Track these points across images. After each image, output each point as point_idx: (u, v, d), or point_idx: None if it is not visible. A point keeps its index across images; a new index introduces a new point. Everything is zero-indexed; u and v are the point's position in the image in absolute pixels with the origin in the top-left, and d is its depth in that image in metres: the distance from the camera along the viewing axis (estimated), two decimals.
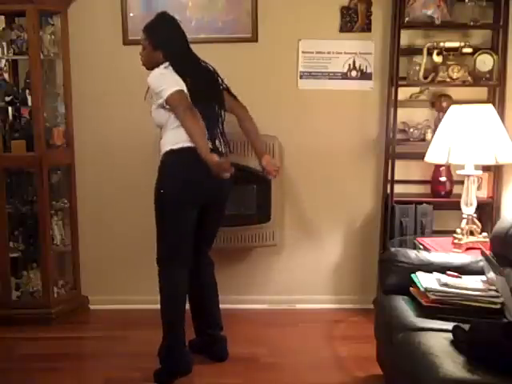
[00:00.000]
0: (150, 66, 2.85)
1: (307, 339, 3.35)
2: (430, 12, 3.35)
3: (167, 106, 2.73)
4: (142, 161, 3.66)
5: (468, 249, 3.01)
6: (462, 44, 3.38)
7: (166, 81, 2.72)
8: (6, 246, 3.55)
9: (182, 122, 2.70)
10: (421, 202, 3.51)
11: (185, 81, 2.73)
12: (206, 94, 2.82)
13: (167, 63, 2.77)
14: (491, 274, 2.45)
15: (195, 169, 2.69)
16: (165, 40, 2.83)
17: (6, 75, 3.63)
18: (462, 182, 3.16)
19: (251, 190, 3.61)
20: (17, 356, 3.19)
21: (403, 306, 2.50)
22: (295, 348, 3.22)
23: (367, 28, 3.54)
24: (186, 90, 2.71)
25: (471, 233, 3.07)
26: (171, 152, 2.78)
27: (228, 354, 3.07)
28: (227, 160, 2.71)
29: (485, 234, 3.07)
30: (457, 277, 2.49)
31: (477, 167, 3.06)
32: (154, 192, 2.83)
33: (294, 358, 3.10)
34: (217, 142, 2.82)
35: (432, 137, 3.26)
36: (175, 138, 2.76)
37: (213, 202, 2.90)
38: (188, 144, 2.71)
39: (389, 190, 3.55)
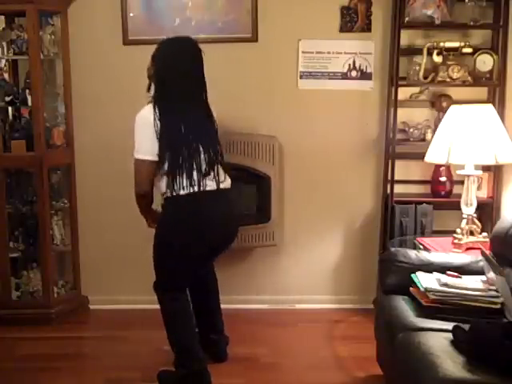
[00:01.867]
0: (149, 77, 2.75)
1: (307, 339, 3.35)
2: (430, 12, 3.35)
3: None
4: None
5: (468, 249, 3.01)
6: (462, 44, 3.38)
7: (141, 137, 2.62)
8: (6, 246, 3.55)
9: (134, 192, 2.74)
10: (421, 202, 3.51)
11: (158, 125, 2.59)
12: (189, 126, 2.64)
13: (148, 107, 2.64)
14: (491, 274, 2.45)
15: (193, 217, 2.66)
16: (159, 58, 2.70)
17: (6, 75, 3.63)
18: (462, 182, 3.16)
19: (251, 190, 3.62)
20: (17, 356, 3.19)
21: (403, 306, 2.50)
22: (295, 348, 3.22)
23: (367, 28, 3.54)
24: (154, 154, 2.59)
25: (471, 233, 3.07)
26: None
27: (227, 355, 3.07)
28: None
29: (485, 233, 3.07)
30: (457, 277, 2.50)
31: (477, 167, 3.06)
32: (155, 237, 2.77)
33: (294, 358, 3.10)
34: (194, 174, 2.64)
35: (432, 137, 3.26)
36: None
37: (216, 248, 2.84)
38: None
39: (389, 190, 3.55)
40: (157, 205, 2.89)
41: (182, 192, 2.62)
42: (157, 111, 2.60)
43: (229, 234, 2.83)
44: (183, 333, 2.83)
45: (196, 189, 2.62)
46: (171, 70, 2.64)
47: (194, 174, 2.62)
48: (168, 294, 2.82)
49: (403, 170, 3.59)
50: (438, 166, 3.50)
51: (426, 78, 3.43)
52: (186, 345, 2.81)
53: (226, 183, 2.78)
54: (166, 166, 2.61)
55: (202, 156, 2.65)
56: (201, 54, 2.69)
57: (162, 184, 2.67)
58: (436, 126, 3.29)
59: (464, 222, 3.08)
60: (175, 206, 2.68)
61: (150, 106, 2.65)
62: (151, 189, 2.70)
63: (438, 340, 2.15)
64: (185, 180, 2.61)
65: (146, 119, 2.62)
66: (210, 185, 2.68)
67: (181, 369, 2.80)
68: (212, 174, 2.68)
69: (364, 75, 3.59)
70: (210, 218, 2.68)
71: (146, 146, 2.61)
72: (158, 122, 2.59)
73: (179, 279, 2.80)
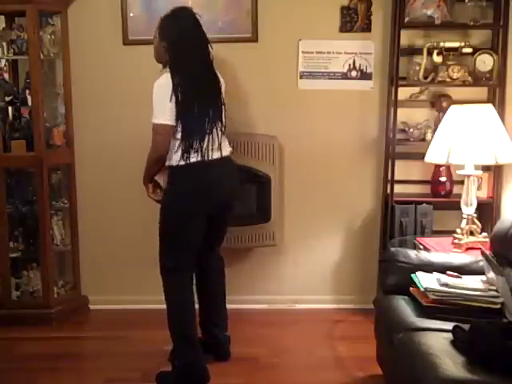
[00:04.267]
0: (158, 58, 2.86)
1: (307, 339, 3.35)
2: (430, 12, 3.35)
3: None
4: (142, 161, 3.63)
5: (468, 249, 3.01)
6: (462, 44, 3.38)
7: (161, 103, 2.68)
8: (6, 246, 3.55)
9: (148, 156, 2.81)
10: (421, 202, 3.51)
11: (181, 85, 2.67)
12: (202, 95, 2.77)
13: (165, 75, 2.72)
14: (491, 274, 2.45)
15: (202, 179, 2.77)
16: (169, 32, 2.77)
17: (6, 75, 3.63)
18: (462, 182, 3.16)
19: (251, 189, 3.62)
20: (17, 356, 3.19)
21: (403, 306, 2.50)
22: (295, 348, 3.22)
23: (367, 28, 3.54)
24: (173, 114, 2.68)
25: (471, 233, 3.07)
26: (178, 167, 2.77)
27: (230, 354, 3.08)
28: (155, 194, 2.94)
29: (485, 233, 3.07)
30: (457, 277, 2.50)
31: (477, 167, 3.06)
32: (162, 210, 2.87)
33: (294, 358, 3.10)
34: (205, 143, 2.75)
35: (432, 137, 3.26)
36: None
37: (222, 208, 2.91)
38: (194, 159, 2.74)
39: (389, 190, 3.54)
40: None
41: (192, 160, 2.74)
42: (174, 81, 2.69)
43: (231, 191, 2.93)
44: (186, 320, 2.85)
45: (205, 158, 2.75)
46: (182, 41, 2.75)
47: (204, 143, 2.75)
48: (174, 276, 2.86)
49: (403, 170, 3.59)
50: (437, 166, 3.50)
51: (426, 78, 3.43)
52: (187, 333, 2.83)
53: (229, 150, 2.92)
54: (178, 135, 2.72)
55: (211, 126, 2.78)
56: (197, 17, 2.80)
57: (175, 154, 2.75)
58: (436, 126, 3.29)
59: (464, 221, 3.08)
60: (185, 172, 2.77)
61: (167, 74, 2.72)
62: (167, 153, 2.77)
63: (437, 340, 2.15)
64: (195, 150, 2.73)
65: (166, 86, 2.68)
66: (216, 154, 2.81)
67: (178, 361, 2.81)
68: (217, 143, 2.81)
69: (364, 75, 3.59)
70: (214, 180, 2.81)
71: (165, 111, 2.68)
72: (175, 91, 2.67)
73: (184, 253, 2.84)
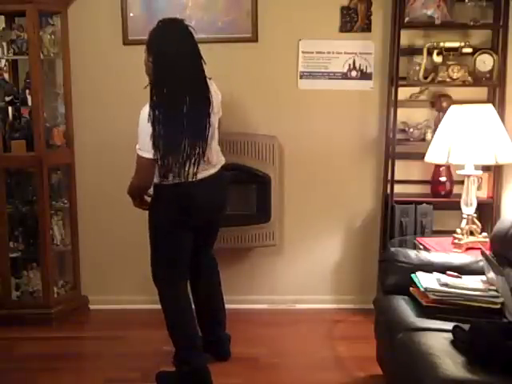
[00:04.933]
0: (148, 73, 2.72)
1: (307, 339, 3.35)
2: (430, 12, 3.35)
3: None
4: None
5: (468, 249, 3.01)
6: (462, 44, 3.38)
7: (145, 136, 2.62)
8: (6, 246, 3.55)
9: (130, 183, 2.83)
10: (421, 202, 3.51)
11: (158, 108, 2.59)
12: (181, 115, 2.62)
13: (147, 104, 2.64)
14: (491, 274, 2.45)
15: (185, 198, 2.74)
16: (154, 46, 2.65)
17: (6, 75, 3.63)
18: (462, 182, 3.16)
19: (251, 189, 3.62)
20: (17, 356, 3.19)
21: (403, 306, 2.50)
22: (295, 348, 3.22)
23: (367, 28, 3.54)
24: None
25: (471, 233, 3.07)
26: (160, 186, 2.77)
27: (230, 353, 3.08)
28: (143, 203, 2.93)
29: (485, 233, 3.07)
30: (457, 277, 2.50)
31: (477, 167, 3.06)
32: (149, 218, 2.86)
33: (294, 358, 3.10)
34: (186, 166, 2.67)
35: (432, 137, 3.26)
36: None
37: (208, 223, 2.91)
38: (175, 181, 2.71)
39: (389, 190, 3.54)
40: None
41: (171, 181, 2.71)
42: (152, 109, 2.61)
43: (218, 208, 2.90)
44: (185, 326, 2.84)
45: (188, 179, 2.69)
46: (164, 56, 2.61)
47: (186, 166, 2.66)
48: (166, 287, 2.86)
49: (403, 169, 3.59)
50: (437, 166, 3.50)
51: (426, 78, 3.43)
52: (189, 339, 2.82)
53: (219, 163, 2.85)
54: (160, 150, 2.63)
55: (193, 150, 2.67)
56: (189, 31, 2.65)
57: (157, 172, 2.73)
58: (436, 126, 3.29)
59: (464, 222, 3.08)
60: (167, 191, 2.75)
61: (146, 106, 2.66)
62: (150, 184, 2.78)
63: (437, 340, 2.15)
64: (174, 173, 2.68)
65: (145, 117, 2.63)
66: (201, 175, 2.73)
67: (182, 366, 2.80)
68: (202, 164, 2.71)
69: (364, 75, 3.59)
70: (198, 199, 2.75)
71: (149, 144, 2.63)
72: (152, 124, 2.61)
73: (173, 265, 2.83)
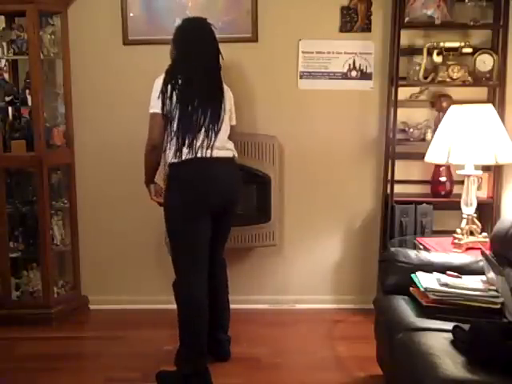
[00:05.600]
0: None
1: (307, 339, 3.35)
2: (430, 12, 3.35)
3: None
4: (141, 161, 3.65)
5: (468, 249, 3.01)
6: (462, 44, 3.38)
7: (154, 95, 2.81)
8: (6, 246, 3.55)
9: (145, 148, 2.85)
10: (421, 202, 3.51)
11: (165, 86, 2.78)
12: (198, 96, 2.80)
13: (161, 75, 2.84)
14: (491, 274, 2.45)
15: (196, 176, 2.79)
16: (177, 40, 2.88)
17: (6, 75, 3.63)
18: (462, 182, 3.16)
19: (251, 189, 3.62)
20: (17, 356, 3.19)
21: (403, 306, 2.50)
22: (295, 348, 3.22)
23: (367, 28, 3.54)
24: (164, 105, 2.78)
25: (471, 233, 3.07)
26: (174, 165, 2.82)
27: (230, 354, 3.08)
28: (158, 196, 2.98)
29: (485, 233, 3.07)
30: (457, 277, 2.50)
31: (477, 167, 3.06)
32: (165, 210, 2.87)
33: (294, 358, 3.10)
34: (199, 141, 2.78)
35: (432, 137, 3.26)
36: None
37: (221, 209, 2.91)
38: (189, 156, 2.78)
39: (389, 190, 3.55)
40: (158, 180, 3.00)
41: (184, 157, 2.77)
42: (170, 76, 2.81)
43: (229, 192, 2.91)
44: (196, 324, 2.83)
45: (197, 155, 2.77)
46: (187, 49, 2.85)
47: (198, 141, 2.78)
48: (184, 275, 2.83)
49: (403, 169, 3.59)
50: (437, 166, 3.50)
51: (426, 78, 3.43)
52: (199, 343, 2.82)
53: (230, 152, 2.92)
54: (173, 133, 2.79)
55: (207, 126, 2.80)
56: (211, 30, 2.90)
57: (169, 152, 2.81)
58: (436, 126, 3.29)
59: (464, 222, 3.08)
60: (180, 170, 2.80)
61: (159, 77, 2.84)
62: (162, 141, 2.83)
63: (437, 340, 2.15)
64: (187, 146, 2.77)
65: (157, 83, 2.82)
66: (213, 153, 2.82)
67: (185, 366, 2.79)
68: (212, 143, 2.81)
69: (364, 75, 3.59)
70: (208, 178, 2.81)
71: (158, 102, 2.78)
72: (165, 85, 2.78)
73: (192, 251, 2.83)
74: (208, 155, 2.79)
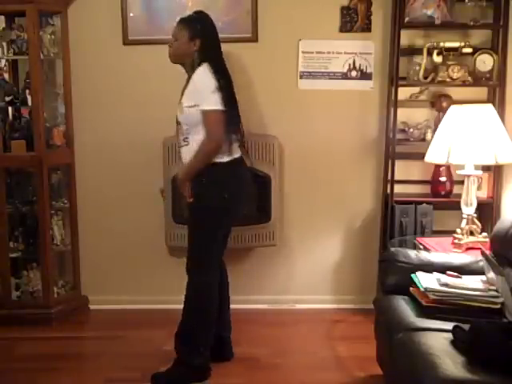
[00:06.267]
0: (178, 58, 2.83)
1: (307, 339, 3.35)
2: (430, 12, 3.35)
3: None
4: (141, 160, 3.66)
5: (468, 249, 3.01)
6: (462, 44, 3.38)
7: (207, 90, 2.69)
8: (6, 246, 3.55)
9: (202, 146, 2.70)
10: (421, 202, 3.51)
11: (218, 81, 2.70)
12: (233, 95, 2.82)
13: (205, 64, 2.73)
14: (491, 274, 2.45)
15: (242, 181, 2.85)
16: (204, 30, 2.81)
17: (6, 75, 3.63)
18: (462, 182, 3.16)
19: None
20: (17, 356, 3.19)
21: (403, 306, 2.50)
22: (295, 348, 3.22)
23: (367, 28, 3.54)
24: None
25: (471, 233, 3.07)
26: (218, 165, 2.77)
27: (233, 354, 3.08)
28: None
29: (485, 233, 3.07)
30: (457, 277, 2.50)
31: (477, 167, 3.06)
32: (198, 208, 2.80)
33: (294, 358, 3.10)
34: (235, 145, 2.83)
35: (432, 137, 3.26)
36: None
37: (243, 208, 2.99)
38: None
39: (389, 190, 3.55)
40: None
41: (234, 156, 2.81)
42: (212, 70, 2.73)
43: (250, 195, 3.05)
44: (211, 322, 2.85)
45: (236, 155, 2.82)
46: (214, 38, 2.85)
47: (235, 138, 2.82)
48: (205, 273, 2.83)
49: (403, 169, 3.59)
50: (437, 166, 3.50)
51: (426, 78, 3.43)
52: (209, 336, 2.84)
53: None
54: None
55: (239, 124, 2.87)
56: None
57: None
58: (436, 126, 3.29)
59: (464, 222, 3.08)
60: (229, 168, 2.79)
61: (204, 66, 2.73)
62: (224, 141, 2.74)
63: (437, 340, 2.15)
64: (228, 146, 2.77)
65: (207, 75, 2.71)
66: (241, 152, 2.89)
67: (195, 358, 2.80)
68: (241, 141, 2.90)
69: (364, 75, 3.59)
70: (245, 181, 2.90)
71: (215, 97, 2.68)
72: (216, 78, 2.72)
73: (214, 250, 2.85)
74: (239, 154, 2.84)
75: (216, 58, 2.80)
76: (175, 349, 2.86)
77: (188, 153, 2.77)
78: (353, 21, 3.54)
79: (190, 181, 2.78)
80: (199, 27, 2.81)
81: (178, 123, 2.83)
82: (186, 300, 2.85)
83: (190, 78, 2.80)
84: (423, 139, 3.51)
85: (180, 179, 2.83)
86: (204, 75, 2.71)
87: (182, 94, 2.81)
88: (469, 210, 3.07)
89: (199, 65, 2.75)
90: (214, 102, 2.68)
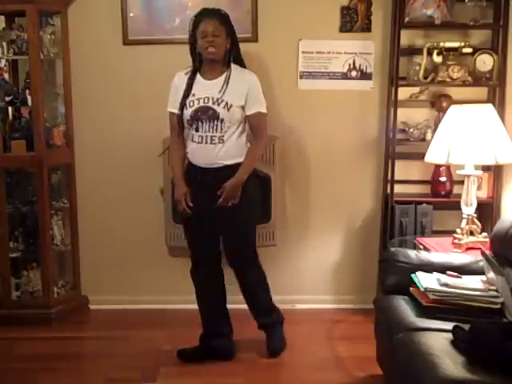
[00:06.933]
0: (221, 54, 2.88)
1: (307, 339, 3.35)
2: (429, 12, 3.35)
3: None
4: (141, 160, 3.66)
5: (468, 249, 3.01)
6: (462, 44, 3.38)
7: (262, 96, 2.93)
8: (6, 246, 3.55)
9: (258, 146, 2.95)
10: (421, 202, 3.51)
11: None
12: None
13: (237, 66, 2.94)
14: (491, 274, 2.45)
15: None
16: (233, 28, 2.93)
17: (6, 75, 3.62)
18: (462, 182, 3.16)
19: None
20: (17, 356, 3.19)
21: (403, 306, 2.50)
22: (295, 348, 3.22)
23: (367, 28, 3.54)
24: None
25: (471, 233, 3.07)
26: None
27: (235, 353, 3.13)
28: None
29: (485, 233, 3.07)
30: (457, 277, 2.50)
31: (477, 167, 3.06)
32: (248, 202, 2.94)
33: (294, 358, 3.10)
34: None
35: (432, 137, 3.26)
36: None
37: None
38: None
39: (389, 190, 3.54)
40: None
41: None
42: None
43: None
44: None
45: None
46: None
47: None
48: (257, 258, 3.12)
49: (403, 169, 3.59)
50: (437, 166, 3.50)
51: (426, 78, 3.43)
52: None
53: None
54: None
55: None
56: None
57: None
58: (436, 126, 3.29)
59: (464, 222, 3.08)
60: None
61: (242, 68, 2.96)
62: None
63: (438, 340, 2.15)
64: None
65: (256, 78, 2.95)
66: None
67: (281, 318, 3.23)
68: None
69: (364, 75, 3.59)
70: None
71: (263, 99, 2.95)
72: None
73: None
74: None
75: (240, 57, 2.97)
76: (265, 321, 3.17)
77: (222, 151, 2.85)
78: (353, 21, 3.54)
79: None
80: (230, 24, 2.91)
81: (211, 119, 2.83)
82: (258, 285, 3.15)
83: (220, 75, 2.88)
84: (423, 139, 3.51)
85: (240, 180, 2.87)
86: (257, 80, 2.92)
87: (223, 92, 2.83)
88: (469, 209, 3.07)
89: (229, 64, 2.90)
90: (265, 105, 2.93)
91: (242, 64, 2.96)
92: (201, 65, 2.92)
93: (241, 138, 2.90)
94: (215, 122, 2.82)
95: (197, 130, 2.85)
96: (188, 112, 2.86)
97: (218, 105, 2.82)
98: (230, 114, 2.82)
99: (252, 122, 2.90)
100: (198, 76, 2.91)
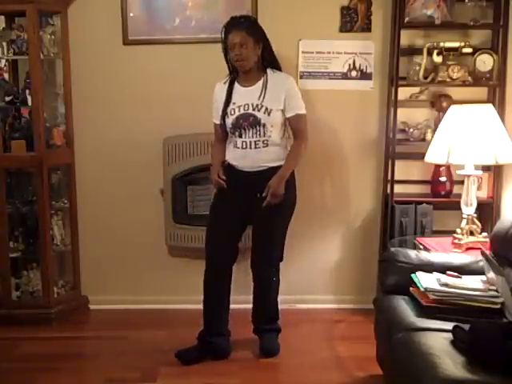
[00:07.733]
0: (251, 63, 2.93)
1: (307, 339, 3.35)
2: (429, 12, 3.35)
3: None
4: (141, 160, 3.66)
5: (468, 249, 3.01)
6: (462, 44, 3.38)
7: (300, 98, 2.98)
8: (6, 246, 3.55)
9: (300, 146, 2.97)
10: (421, 202, 3.51)
11: None
12: None
13: (273, 69, 2.99)
14: (491, 274, 2.45)
15: None
16: (263, 32, 2.98)
17: (6, 75, 3.63)
18: (462, 182, 3.16)
19: None
20: (17, 356, 3.19)
21: (403, 306, 2.50)
22: (295, 348, 3.22)
23: (367, 28, 3.54)
24: None
25: (471, 233, 3.07)
26: None
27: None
28: None
29: (485, 233, 3.07)
30: (457, 277, 2.50)
31: (477, 167, 3.06)
32: (285, 203, 3.02)
33: (294, 358, 3.10)
34: None
35: (432, 137, 3.26)
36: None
37: None
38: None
39: (389, 190, 3.54)
40: None
41: None
42: None
43: None
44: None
45: None
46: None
47: None
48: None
49: (403, 169, 3.59)
50: (437, 166, 3.50)
51: (426, 78, 3.43)
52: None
53: None
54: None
55: None
56: None
57: None
58: (436, 126, 3.29)
59: (464, 221, 3.08)
60: None
61: (280, 72, 3.02)
62: None
63: (437, 340, 2.15)
64: None
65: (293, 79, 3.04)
66: None
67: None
68: None
69: (364, 75, 3.59)
70: None
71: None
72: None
73: None
74: None
75: (274, 59, 3.01)
76: (264, 327, 3.18)
77: (267, 154, 2.93)
78: (353, 21, 3.54)
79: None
80: (260, 30, 2.98)
81: (253, 125, 2.89)
82: (271, 283, 3.16)
83: (258, 80, 2.95)
84: (423, 139, 3.51)
85: (284, 176, 2.96)
86: (292, 80, 2.99)
87: (263, 97, 2.89)
88: (469, 209, 3.07)
89: (265, 69, 2.97)
90: (303, 106, 2.97)
91: (276, 65, 3.02)
92: (237, 73, 2.99)
93: (283, 140, 2.98)
94: (257, 128, 2.90)
95: (240, 136, 2.92)
96: (230, 120, 2.93)
97: (259, 111, 2.89)
98: (271, 118, 2.89)
99: (292, 124, 2.97)
100: (236, 84, 2.98)
